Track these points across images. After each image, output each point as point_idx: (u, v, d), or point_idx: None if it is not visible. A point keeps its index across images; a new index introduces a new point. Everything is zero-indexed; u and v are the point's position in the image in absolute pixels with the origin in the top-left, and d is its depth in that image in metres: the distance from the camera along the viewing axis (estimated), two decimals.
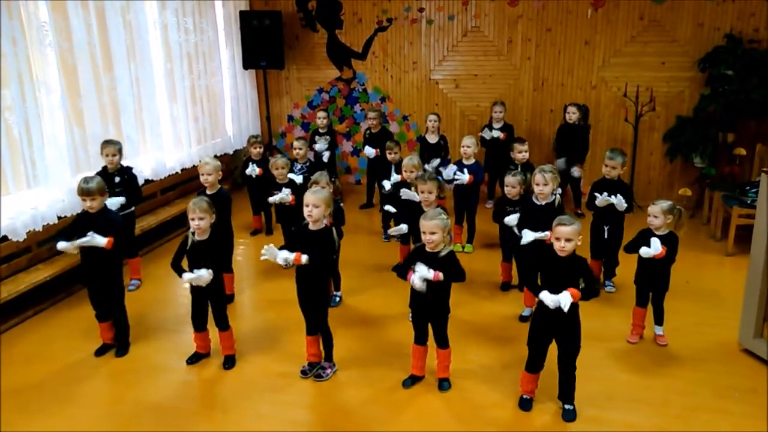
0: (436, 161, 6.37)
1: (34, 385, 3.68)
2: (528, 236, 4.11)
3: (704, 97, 6.46)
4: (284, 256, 3.42)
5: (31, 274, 4.57)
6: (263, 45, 7.35)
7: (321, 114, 7.00)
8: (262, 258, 3.44)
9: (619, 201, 4.41)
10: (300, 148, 5.93)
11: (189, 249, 3.67)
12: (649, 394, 3.51)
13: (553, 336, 3.24)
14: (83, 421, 3.35)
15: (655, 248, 3.74)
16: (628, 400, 3.46)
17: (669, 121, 6.89)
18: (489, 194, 7.18)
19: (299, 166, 5.89)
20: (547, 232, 3.76)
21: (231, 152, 7.66)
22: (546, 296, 3.08)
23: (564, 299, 3.02)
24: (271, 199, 5.27)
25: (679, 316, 4.27)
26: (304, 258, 3.41)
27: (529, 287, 3.26)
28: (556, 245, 3.09)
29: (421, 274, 3.23)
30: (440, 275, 3.26)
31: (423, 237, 3.31)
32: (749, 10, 6.42)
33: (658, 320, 4.05)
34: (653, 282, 3.97)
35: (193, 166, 6.60)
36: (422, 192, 4.38)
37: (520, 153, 5.47)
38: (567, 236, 3.05)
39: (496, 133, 6.60)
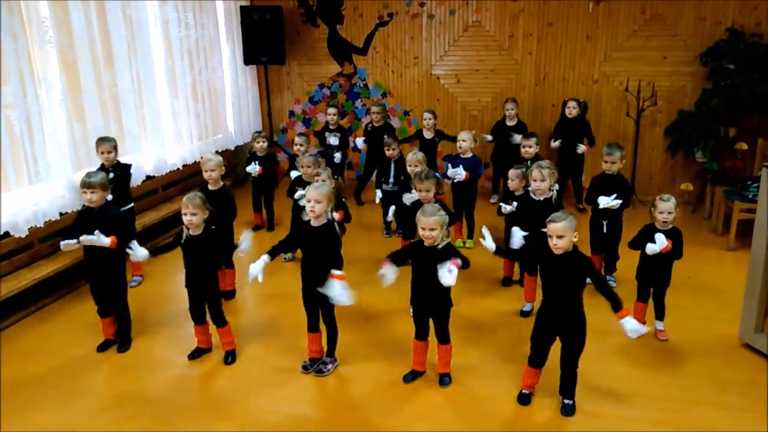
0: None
1: (36, 380, 3.70)
2: (516, 237, 3.90)
3: (706, 91, 6.44)
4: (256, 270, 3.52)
5: (33, 271, 4.58)
6: (264, 40, 7.34)
7: (331, 110, 6.94)
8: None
9: (611, 202, 4.40)
10: (301, 145, 5.91)
11: (183, 243, 3.69)
12: (649, 389, 3.51)
13: (558, 334, 3.25)
14: (85, 416, 3.36)
15: (660, 243, 3.72)
16: (628, 394, 3.46)
17: (670, 116, 6.87)
18: (493, 189, 7.18)
19: None
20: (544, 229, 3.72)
21: (232, 148, 7.67)
22: (631, 323, 3.10)
23: (637, 329, 3.09)
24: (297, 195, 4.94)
25: (679, 310, 4.27)
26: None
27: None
28: (550, 242, 3.08)
29: (450, 273, 3.19)
30: (459, 262, 3.25)
31: (421, 233, 3.30)
32: (751, 3, 6.40)
33: (659, 315, 4.05)
34: (655, 277, 3.97)
35: (195, 162, 6.61)
36: (420, 191, 4.37)
37: (524, 148, 5.47)
38: (558, 233, 3.04)
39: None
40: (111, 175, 4.75)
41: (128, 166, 4.95)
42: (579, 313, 3.17)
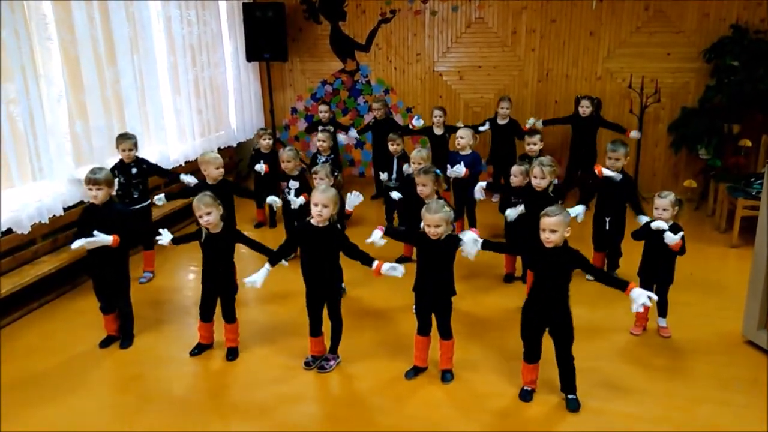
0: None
1: (38, 376, 3.71)
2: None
3: (710, 88, 6.42)
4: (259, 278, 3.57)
5: (36, 267, 4.58)
6: (266, 37, 7.32)
7: (323, 107, 6.99)
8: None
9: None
10: (324, 141, 5.91)
11: (203, 242, 3.70)
12: (652, 386, 3.51)
13: (545, 326, 3.27)
14: (88, 412, 3.37)
15: (670, 239, 3.70)
16: (631, 391, 3.46)
17: (674, 113, 6.85)
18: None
19: (323, 159, 5.84)
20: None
21: (235, 145, 7.66)
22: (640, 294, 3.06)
23: (648, 294, 3.07)
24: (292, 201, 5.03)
25: (682, 307, 4.26)
26: None
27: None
28: (542, 236, 3.11)
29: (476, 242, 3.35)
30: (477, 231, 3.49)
31: (427, 229, 3.32)
32: (756, 0, 6.36)
33: (662, 312, 4.04)
34: (657, 274, 3.95)
35: (197, 158, 6.60)
36: (417, 184, 4.39)
37: (528, 145, 5.48)
38: (551, 227, 3.06)
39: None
40: (135, 170, 4.82)
41: (144, 160, 5.01)
42: (564, 305, 3.19)
